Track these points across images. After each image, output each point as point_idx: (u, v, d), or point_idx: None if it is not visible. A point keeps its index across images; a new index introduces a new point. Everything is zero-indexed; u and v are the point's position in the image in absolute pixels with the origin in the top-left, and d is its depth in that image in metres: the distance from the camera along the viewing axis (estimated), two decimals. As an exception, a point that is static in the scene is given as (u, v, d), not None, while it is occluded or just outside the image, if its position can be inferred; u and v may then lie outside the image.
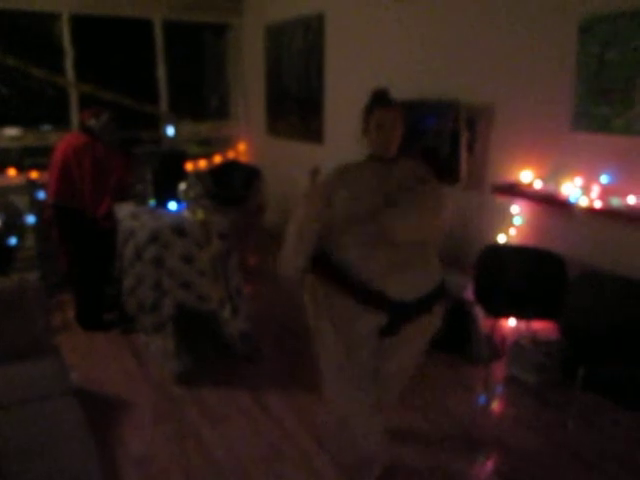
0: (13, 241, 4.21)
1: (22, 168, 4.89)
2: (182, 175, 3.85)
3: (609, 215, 2.90)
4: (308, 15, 4.97)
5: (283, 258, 2.36)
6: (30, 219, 4.56)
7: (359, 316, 2.29)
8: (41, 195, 4.50)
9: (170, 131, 5.41)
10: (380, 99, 2.34)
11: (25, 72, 4.79)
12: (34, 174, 4.81)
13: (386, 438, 2.53)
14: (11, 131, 5.08)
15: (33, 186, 4.68)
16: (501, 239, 3.46)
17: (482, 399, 3.13)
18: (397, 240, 2.24)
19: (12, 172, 4.86)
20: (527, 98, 3.28)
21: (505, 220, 3.45)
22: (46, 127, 5.30)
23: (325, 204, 2.29)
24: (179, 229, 3.29)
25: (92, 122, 3.89)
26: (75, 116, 5.11)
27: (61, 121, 5.25)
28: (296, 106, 5.34)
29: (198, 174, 4.96)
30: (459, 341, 3.55)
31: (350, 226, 2.27)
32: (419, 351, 2.51)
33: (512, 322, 3.43)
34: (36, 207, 4.56)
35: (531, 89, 3.25)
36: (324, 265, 2.35)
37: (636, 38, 2.73)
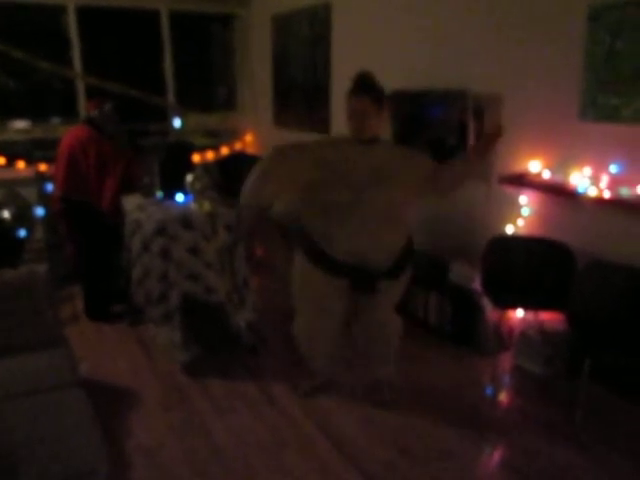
0: (22, 233, 4.24)
1: (31, 161, 4.90)
2: (189, 167, 3.85)
3: (618, 205, 2.87)
4: (315, 5, 4.94)
5: (246, 189, 2.57)
6: (39, 211, 4.59)
7: (323, 279, 2.70)
8: (50, 187, 4.52)
9: (177, 122, 5.41)
10: (356, 87, 2.58)
11: (33, 65, 4.79)
12: (43, 167, 4.83)
13: (330, 363, 3.04)
14: (19, 124, 5.11)
15: (42, 179, 4.72)
16: (509, 230, 3.44)
17: (489, 390, 3.12)
18: (369, 212, 2.56)
19: (21, 165, 4.88)
20: (535, 88, 3.24)
21: (513, 211, 3.42)
22: (54, 120, 5.32)
23: (304, 160, 2.57)
24: (186, 221, 3.29)
25: (95, 113, 3.90)
26: (83, 108, 5.12)
27: (69, 113, 5.26)
28: (303, 96, 5.32)
29: (205, 166, 4.96)
30: (466, 332, 3.55)
31: (319, 194, 2.59)
32: (390, 307, 2.87)
33: (519, 313, 3.41)
34: (45, 199, 4.59)
35: (539, 78, 3.21)
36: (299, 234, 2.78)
37: (646, 26, 2.68)
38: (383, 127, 2.69)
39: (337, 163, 2.57)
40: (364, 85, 2.55)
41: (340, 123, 4.83)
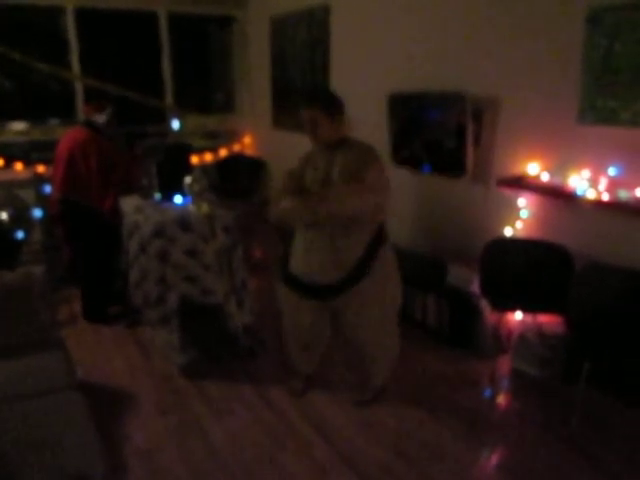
0: (20, 235, 4.23)
1: (29, 162, 4.89)
2: (187, 168, 3.84)
3: (616, 208, 2.87)
4: (313, 6, 4.94)
5: (280, 212, 2.88)
6: (37, 213, 4.58)
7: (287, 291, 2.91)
8: (47, 189, 4.51)
9: (175, 124, 5.40)
10: (303, 98, 2.82)
11: (31, 66, 4.78)
12: (41, 168, 4.82)
13: (306, 361, 3.10)
14: (17, 125, 5.09)
15: (40, 180, 4.70)
16: (507, 232, 3.44)
17: (487, 393, 3.12)
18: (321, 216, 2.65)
19: (19, 166, 4.88)
20: (533, 90, 3.24)
21: (511, 213, 3.42)
22: (52, 121, 5.30)
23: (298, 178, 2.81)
24: (184, 223, 3.29)
25: (96, 116, 3.89)
26: (81, 110, 5.12)
27: (67, 115, 5.25)
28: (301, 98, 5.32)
29: (204, 167, 4.95)
30: (464, 335, 3.54)
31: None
32: (372, 316, 2.82)
33: (518, 315, 3.41)
34: (43, 201, 4.58)
35: (537, 81, 3.21)
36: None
37: (644, 29, 2.68)
38: (345, 129, 2.80)
39: (304, 174, 2.81)
40: (310, 96, 2.86)
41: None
